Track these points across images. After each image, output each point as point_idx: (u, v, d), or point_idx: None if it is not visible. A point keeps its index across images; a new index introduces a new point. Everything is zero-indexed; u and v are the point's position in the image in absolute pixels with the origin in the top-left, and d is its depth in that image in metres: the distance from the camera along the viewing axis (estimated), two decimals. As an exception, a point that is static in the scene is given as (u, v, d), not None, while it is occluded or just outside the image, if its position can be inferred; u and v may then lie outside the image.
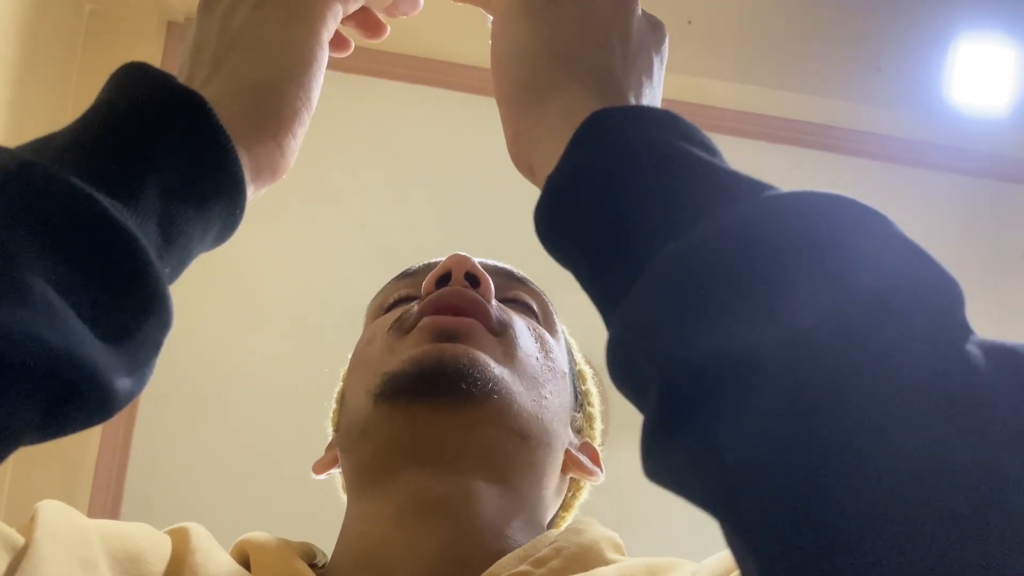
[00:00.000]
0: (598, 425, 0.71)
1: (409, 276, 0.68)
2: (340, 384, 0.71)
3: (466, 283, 0.61)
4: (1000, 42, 2.00)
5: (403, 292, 0.66)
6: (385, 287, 0.69)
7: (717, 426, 0.27)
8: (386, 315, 0.64)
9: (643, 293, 0.31)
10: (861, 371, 0.25)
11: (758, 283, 0.28)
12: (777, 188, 0.32)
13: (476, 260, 0.65)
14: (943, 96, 2.01)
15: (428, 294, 0.61)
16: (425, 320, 0.59)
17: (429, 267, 0.66)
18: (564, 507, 0.69)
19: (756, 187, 0.32)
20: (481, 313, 0.59)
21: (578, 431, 0.67)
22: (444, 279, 0.61)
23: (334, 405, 0.71)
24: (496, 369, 0.57)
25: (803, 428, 0.25)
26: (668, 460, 0.29)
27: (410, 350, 0.57)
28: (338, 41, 0.47)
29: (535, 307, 0.67)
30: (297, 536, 0.58)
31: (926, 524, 0.23)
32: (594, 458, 0.66)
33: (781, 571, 0.24)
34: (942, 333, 0.26)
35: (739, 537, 0.26)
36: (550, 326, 0.67)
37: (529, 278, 0.69)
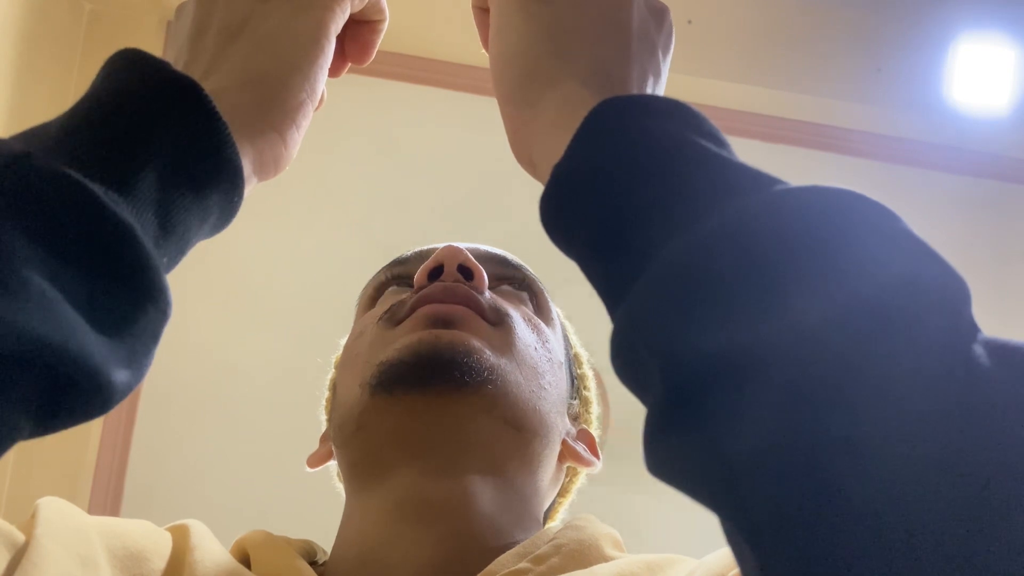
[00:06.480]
0: (594, 409, 0.70)
1: (400, 265, 0.67)
2: (332, 372, 0.71)
3: (459, 276, 0.60)
4: (1000, 42, 1.99)
5: (395, 281, 0.65)
6: (375, 276, 0.68)
7: (719, 422, 0.27)
8: (376, 307, 0.63)
9: (648, 287, 0.31)
10: (865, 368, 0.25)
11: (763, 279, 0.28)
12: (785, 182, 0.32)
13: (469, 247, 0.64)
14: (943, 96, 2.01)
15: (420, 287, 0.60)
16: (419, 310, 0.58)
17: (421, 256, 0.65)
18: (561, 493, 0.68)
19: (764, 181, 0.32)
20: (475, 305, 0.58)
21: (575, 418, 0.66)
22: (437, 272, 0.60)
23: (327, 393, 0.71)
24: (492, 357, 0.56)
25: (806, 425, 0.25)
26: (670, 455, 0.29)
27: (404, 338, 0.56)
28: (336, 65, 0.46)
29: (530, 295, 0.66)
30: (297, 533, 0.58)
31: (929, 522, 0.23)
32: (591, 445, 0.65)
33: (781, 568, 0.24)
34: (948, 331, 0.26)
35: (739, 533, 0.26)
36: (545, 314, 0.66)
37: (524, 264, 0.68)
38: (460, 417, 0.55)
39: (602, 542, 0.54)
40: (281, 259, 1.93)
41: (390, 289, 0.66)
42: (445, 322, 0.56)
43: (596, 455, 0.65)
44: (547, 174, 0.36)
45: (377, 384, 0.55)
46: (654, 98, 0.36)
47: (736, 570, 0.45)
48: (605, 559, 0.53)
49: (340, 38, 0.44)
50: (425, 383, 0.54)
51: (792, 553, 0.24)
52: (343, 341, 0.65)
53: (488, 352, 0.56)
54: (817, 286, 0.27)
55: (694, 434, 0.28)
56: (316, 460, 0.65)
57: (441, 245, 0.62)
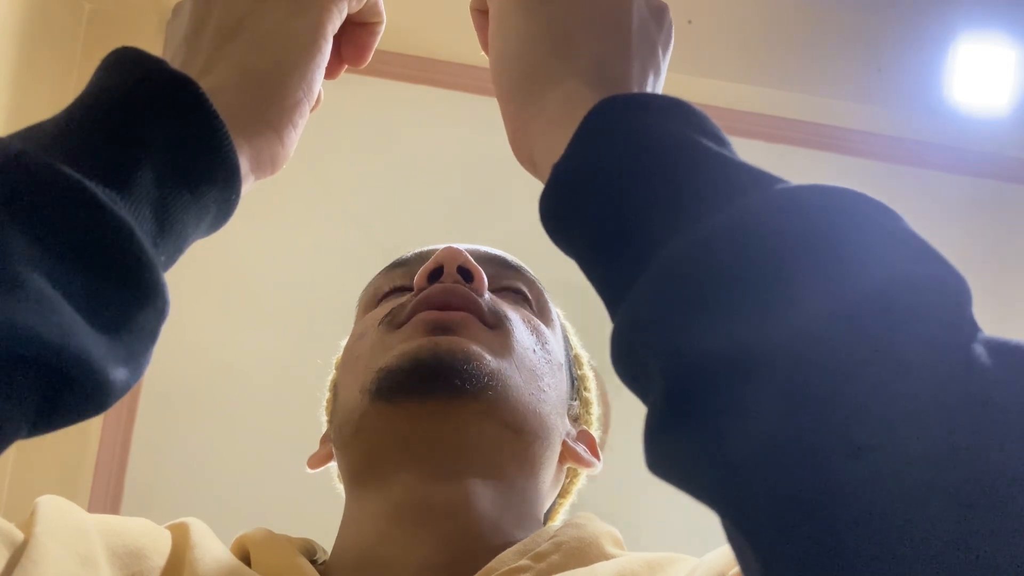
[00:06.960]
0: (595, 410, 0.70)
1: (401, 266, 0.66)
2: (333, 373, 0.71)
3: (459, 277, 0.60)
4: (1000, 42, 1.99)
5: (396, 283, 0.65)
6: (376, 277, 0.68)
7: (720, 421, 0.27)
8: (377, 309, 0.63)
9: (648, 287, 0.31)
10: (866, 367, 0.25)
11: (764, 278, 0.28)
12: (786, 181, 0.32)
13: (469, 248, 0.64)
14: (943, 96, 2.01)
15: (420, 289, 0.60)
16: (418, 315, 0.58)
17: (422, 257, 0.65)
18: (561, 494, 0.68)
19: (765, 180, 0.32)
20: (474, 308, 0.58)
21: (575, 419, 0.66)
22: (436, 273, 0.60)
23: (327, 394, 0.71)
24: (492, 363, 0.56)
25: (807, 424, 0.25)
26: (671, 454, 0.29)
27: (403, 344, 0.56)
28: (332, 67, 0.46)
29: (529, 296, 0.66)
30: (297, 533, 0.58)
31: (930, 521, 0.23)
32: (591, 446, 0.65)
33: (782, 566, 0.24)
34: (949, 330, 0.26)
35: (740, 532, 0.26)
36: (545, 315, 0.66)
37: (524, 265, 0.68)
38: (460, 423, 0.55)
39: (603, 540, 0.54)
40: (279, 258, 1.94)
41: (390, 291, 0.65)
42: (444, 328, 0.56)
43: (596, 456, 0.65)
44: (548, 173, 0.36)
45: (377, 391, 0.55)
46: (655, 96, 0.36)
47: (736, 568, 0.45)
48: (606, 557, 0.53)
49: (337, 40, 0.44)
50: (425, 391, 0.54)
51: (793, 552, 0.24)
52: (343, 342, 0.65)
53: (488, 357, 0.56)
54: (818, 285, 0.27)
55: (695, 433, 0.28)
56: (317, 461, 0.65)
57: (441, 246, 0.62)
